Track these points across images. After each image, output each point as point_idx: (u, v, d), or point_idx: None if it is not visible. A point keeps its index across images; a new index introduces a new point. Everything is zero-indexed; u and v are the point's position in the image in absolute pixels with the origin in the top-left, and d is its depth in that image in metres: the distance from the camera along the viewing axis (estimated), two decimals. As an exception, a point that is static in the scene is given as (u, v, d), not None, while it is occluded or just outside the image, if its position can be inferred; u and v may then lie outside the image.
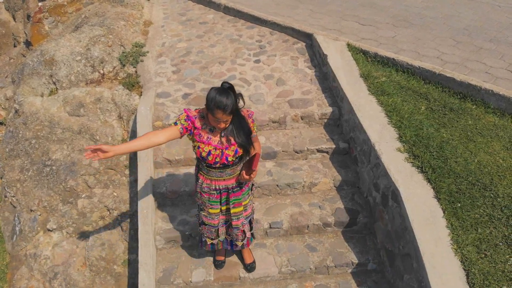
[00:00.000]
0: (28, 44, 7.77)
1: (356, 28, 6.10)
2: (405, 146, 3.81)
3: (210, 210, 3.21)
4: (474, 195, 3.35)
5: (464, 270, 2.89)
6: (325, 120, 4.77)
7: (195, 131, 2.85)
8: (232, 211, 3.21)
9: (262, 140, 4.57)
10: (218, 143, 2.86)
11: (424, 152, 3.70)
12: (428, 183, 3.46)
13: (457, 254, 2.98)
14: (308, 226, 3.95)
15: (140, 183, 4.05)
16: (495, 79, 4.65)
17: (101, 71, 5.59)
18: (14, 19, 10.94)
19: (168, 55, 6.01)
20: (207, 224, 3.31)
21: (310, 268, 3.69)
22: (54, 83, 5.50)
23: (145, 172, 4.12)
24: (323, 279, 3.73)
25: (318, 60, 5.66)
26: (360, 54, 5.36)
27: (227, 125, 2.78)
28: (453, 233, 3.10)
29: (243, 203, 3.22)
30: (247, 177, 2.95)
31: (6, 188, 5.02)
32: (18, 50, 8.93)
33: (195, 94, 5.11)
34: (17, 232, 4.73)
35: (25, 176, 4.90)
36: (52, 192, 4.66)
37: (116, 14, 6.62)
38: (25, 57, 7.63)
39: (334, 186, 4.27)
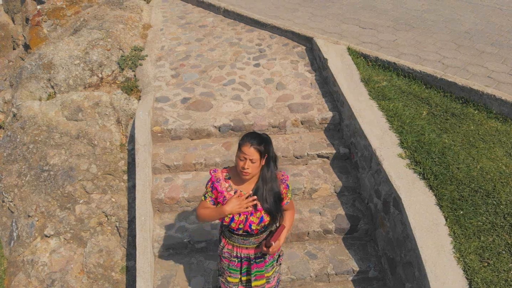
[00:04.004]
0: (26, 47, 7.73)
1: (357, 32, 6.07)
2: (406, 152, 3.77)
3: (229, 279, 2.87)
4: (477, 202, 3.31)
5: (467, 279, 2.85)
6: (326, 125, 4.73)
7: (218, 195, 2.61)
8: (253, 284, 2.84)
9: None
10: None
11: (426, 158, 3.66)
12: (430, 190, 3.41)
13: (459, 263, 2.93)
14: (308, 233, 3.90)
15: (138, 189, 4.00)
16: (497, 83, 4.61)
17: (100, 75, 5.55)
18: (13, 21, 10.91)
19: (167, 59, 5.97)
20: None
21: (311, 276, 3.64)
22: (52, 87, 5.46)
23: (143, 177, 4.07)
24: (324, 287, 3.68)
25: (318, 64, 5.62)
26: (360, 58, 5.32)
27: (252, 170, 2.46)
28: (455, 241, 3.05)
29: (265, 275, 2.85)
30: (265, 249, 2.63)
31: (3, 193, 4.98)
32: (17, 53, 8.90)
33: (194, 98, 5.07)
34: (15, 238, 4.69)
35: (23, 181, 4.86)
36: (50, 197, 4.61)
37: (115, 17, 6.59)
38: (23, 60, 7.60)
39: (335, 192, 4.22)
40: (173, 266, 3.79)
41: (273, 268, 2.90)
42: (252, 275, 2.82)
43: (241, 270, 2.82)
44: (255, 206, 2.56)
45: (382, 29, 6.12)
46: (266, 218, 2.59)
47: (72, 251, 4.37)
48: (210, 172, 2.66)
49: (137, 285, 3.45)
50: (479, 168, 3.60)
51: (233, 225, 2.60)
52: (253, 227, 2.60)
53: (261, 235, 2.70)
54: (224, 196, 2.59)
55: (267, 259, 2.80)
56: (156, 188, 4.19)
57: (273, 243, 2.59)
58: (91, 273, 4.22)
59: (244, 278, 2.86)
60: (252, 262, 2.77)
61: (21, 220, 4.67)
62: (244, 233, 2.66)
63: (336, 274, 3.67)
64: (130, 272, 4.20)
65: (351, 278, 3.71)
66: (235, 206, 2.51)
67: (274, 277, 2.96)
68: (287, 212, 2.76)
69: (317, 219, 3.97)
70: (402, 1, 7.21)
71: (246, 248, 2.73)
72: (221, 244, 2.83)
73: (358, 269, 3.68)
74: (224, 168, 2.70)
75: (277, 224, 2.73)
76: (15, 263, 4.51)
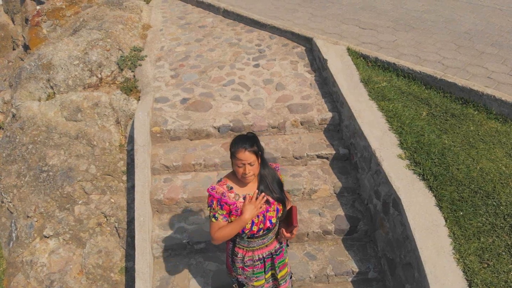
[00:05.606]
0: (26, 47, 7.73)
1: (357, 32, 6.06)
2: (406, 152, 3.76)
3: (256, 283, 2.87)
4: (477, 203, 3.30)
5: (467, 280, 2.84)
6: (325, 126, 4.72)
7: (231, 208, 2.55)
8: (279, 275, 2.91)
9: (261, 146, 4.51)
10: None
11: (426, 159, 3.65)
12: (430, 191, 3.40)
13: (459, 264, 2.92)
14: (308, 234, 3.89)
15: (137, 190, 3.99)
16: (497, 84, 4.60)
17: (99, 76, 5.54)
18: (13, 21, 10.91)
19: (166, 59, 5.96)
20: None
21: (310, 277, 3.63)
22: (52, 88, 5.45)
23: (143, 178, 4.06)
24: (323, 288, 3.67)
25: (318, 64, 5.62)
26: (360, 59, 5.31)
27: (253, 172, 2.49)
28: (455, 242, 3.04)
29: (286, 261, 2.96)
30: (288, 235, 2.68)
31: (3, 194, 4.97)
32: (16, 54, 8.90)
33: (194, 99, 5.06)
34: (14, 239, 4.68)
35: (22, 182, 4.85)
36: (49, 198, 4.60)
37: (115, 17, 6.58)
38: (23, 60, 7.59)
39: (334, 193, 4.21)
40: (172, 267, 3.78)
41: (286, 253, 2.99)
42: (277, 267, 2.87)
43: (265, 269, 2.85)
44: (267, 201, 2.61)
45: (382, 29, 6.12)
46: (280, 207, 2.66)
47: (71, 251, 4.36)
48: (208, 191, 2.57)
49: (136, 286, 3.44)
50: (479, 169, 3.59)
51: (254, 229, 2.59)
52: (273, 220, 2.64)
53: (276, 227, 2.76)
54: (237, 206, 2.55)
55: (283, 247, 2.89)
56: (155, 188, 4.18)
57: (297, 225, 2.64)
58: (90, 274, 4.21)
59: (267, 275, 2.90)
60: (274, 256, 2.83)
61: (20, 220, 4.66)
62: (264, 232, 2.67)
63: (335, 275, 3.66)
64: (129, 273, 4.19)
65: (350, 279, 3.70)
66: (253, 210, 2.51)
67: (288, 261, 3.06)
68: (287, 194, 2.84)
69: (317, 220, 3.96)
70: (402, 1, 7.21)
71: (266, 246, 2.76)
72: (239, 256, 2.77)
73: (357, 270, 3.67)
74: (219, 181, 2.65)
75: (285, 209, 2.78)
76: (14, 263, 4.50)
